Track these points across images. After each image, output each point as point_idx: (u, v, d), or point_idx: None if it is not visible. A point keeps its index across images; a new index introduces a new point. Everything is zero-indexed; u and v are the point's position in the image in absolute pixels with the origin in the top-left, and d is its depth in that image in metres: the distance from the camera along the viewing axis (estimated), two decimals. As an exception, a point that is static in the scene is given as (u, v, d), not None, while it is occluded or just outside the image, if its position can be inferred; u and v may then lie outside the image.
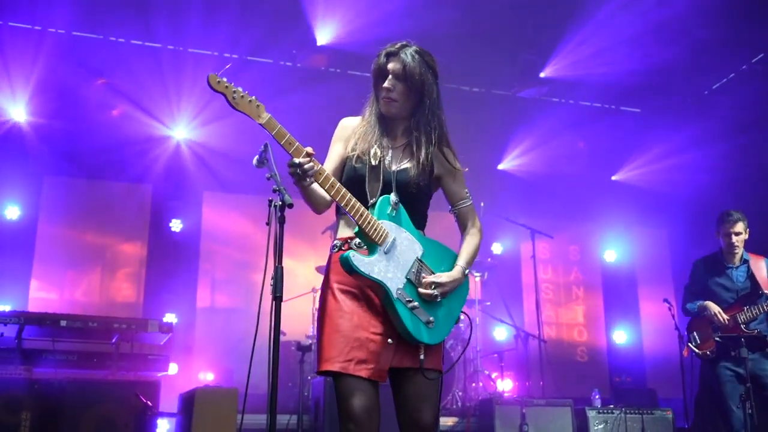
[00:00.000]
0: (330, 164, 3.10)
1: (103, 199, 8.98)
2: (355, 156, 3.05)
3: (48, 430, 5.10)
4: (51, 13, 7.93)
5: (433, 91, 3.09)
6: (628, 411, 6.58)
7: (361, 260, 2.80)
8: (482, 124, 9.30)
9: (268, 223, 3.11)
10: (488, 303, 8.48)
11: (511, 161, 10.25)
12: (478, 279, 7.77)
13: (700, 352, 5.91)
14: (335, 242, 3.09)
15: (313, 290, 7.79)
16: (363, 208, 2.85)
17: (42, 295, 8.62)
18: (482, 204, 7.80)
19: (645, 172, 10.46)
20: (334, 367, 2.82)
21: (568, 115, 9.83)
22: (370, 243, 2.87)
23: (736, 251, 5.96)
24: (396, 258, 2.90)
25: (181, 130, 9.09)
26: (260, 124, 2.79)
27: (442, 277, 2.99)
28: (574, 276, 10.82)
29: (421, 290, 2.93)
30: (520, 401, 6.33)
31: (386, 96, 3.04)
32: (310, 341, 7.02)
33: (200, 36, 8.35)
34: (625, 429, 6.47)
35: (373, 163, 3.01)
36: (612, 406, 6.79)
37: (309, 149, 2.77)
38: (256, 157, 3.33)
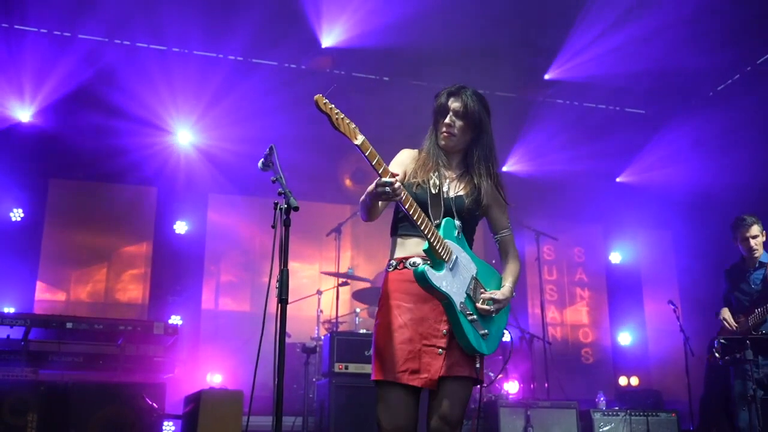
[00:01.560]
0: None
1: (109, 201, 9.01)
2: (415, 183, 3.28)
3: (54, 432, 5.13)
4: (57, 16, 7.96)
5: (488, 129, 3.40)
6: (633, 413, 6.58)
7: (434, 274, 3.03)
8: (487, 126, 9.26)
9: (273, 226, 3.15)
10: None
11: (516, 163, 10.24)
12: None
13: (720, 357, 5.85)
14: (391, 261, 3.32)
15: (318, 292, 7.80)
16: (435, 228, 3.10)
17: (48, 296, 8.65)
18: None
19: (650, 173, 10.45)
20: (389, 377, 3.11)
21: (573, 117, 9.82)
22: (437, 260, 3.08)
23: (756, 255, 5.94)
24: (458, 275, 3.15)
25: (187, 132, 9.11)
26: (356, 145, 2.94)
27: (498, 294, 3.27)
28: (578, 277, 10.81)
29: (479, 305, 3.21)
30: (524, 403, 6.34)
31: (447, 131, 3.33)
32: (315, 343, 7.03)
33: (205, 38, 8.37)
34: (630, 431, 6.46)
35: (433, 191, 3.26)
36: (617, 408, 6.79)
37: (394, 171, 3.04)
38: (261, 160, 3.36)
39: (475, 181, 3.35)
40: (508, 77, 9.15)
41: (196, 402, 5.70)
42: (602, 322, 10.71)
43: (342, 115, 2.91)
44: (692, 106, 9.76)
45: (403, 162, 3.39)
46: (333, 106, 2.91)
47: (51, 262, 8.72)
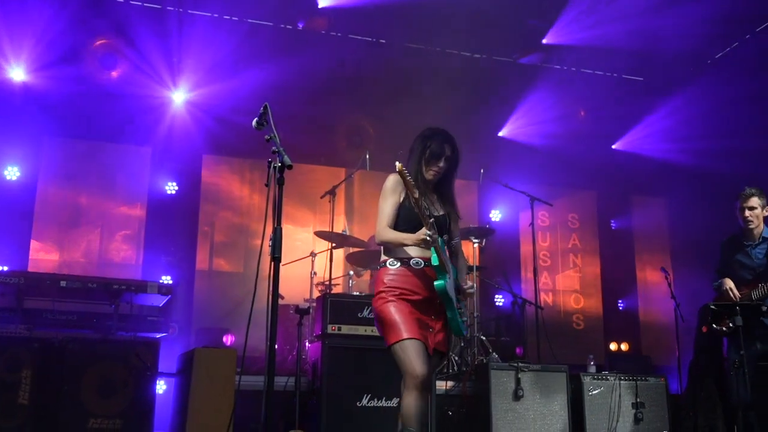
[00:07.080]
0: (392, 210, 4.16)
1: (103, 160, 8.97)
2: (410, 205, 4.06)
3: (48, 389, 5.16)
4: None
5: (458, 167, 4.31)
6: (622, 377, 6.63)
7: (447, 285, 3.97)
8: (483, 91, 9.25)
9: (267, 184, 3.15)
10: (486, 268, 8.50)
11: (512, 128, 10.21)
12: (476, 245, 7.78)
13: (717, 328, 5.88)
14: (390, 260, 4.12)
15: (312, 254, 7.81)
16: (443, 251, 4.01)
17: (42, 255, 8.65)
18: (482, 171, 7.77)
19: (646, 140, 10.44)
20: (416, 336, 3.93)
21: (570, 83, 9.78)
22: (442, 272, 3.94)
23: (752, 226, 5.92)
24: (451, 281, 4.06)
25: (181, 92, 9.05)
26: (414, 198, 3.84)
27: (470, 285, 4.29)
28: (572, 243, 10.85)
29: (465, 293, 4.22)
30: (515, 366, 6.38)
31: (437, 171, 4.21)
32: (309, 304, 7.05)
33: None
34: (619, 395, 6.53)
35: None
36: (606, 372, 6.84)
37: (395, 192, 4.11)
38: (256, 119, 3.35)
39: (448, 206, 4.31)
40: (506, 41, 9.09)
41: (190, 360, 5.74)
42: (595, 288, 10.77)
43: (410, 177, 3.84)
44: (690, 74, 9.73)
45: (396, 190, 4.17)
46: (406, 171, 3.79)
47: (45, 221, 8.71)
